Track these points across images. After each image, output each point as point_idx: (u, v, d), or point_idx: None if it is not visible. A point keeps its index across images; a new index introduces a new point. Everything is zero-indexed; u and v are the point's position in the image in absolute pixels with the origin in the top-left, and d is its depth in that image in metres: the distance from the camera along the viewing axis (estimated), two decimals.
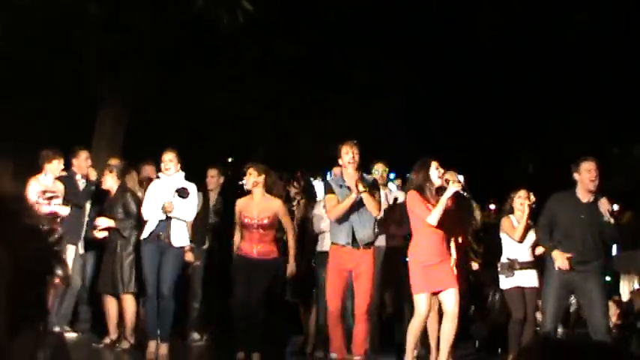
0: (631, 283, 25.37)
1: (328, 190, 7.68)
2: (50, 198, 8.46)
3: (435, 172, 7.18)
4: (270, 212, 7.78)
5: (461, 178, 7.71)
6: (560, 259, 7.08)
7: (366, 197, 7.40)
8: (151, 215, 7.91)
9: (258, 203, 7.77)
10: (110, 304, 8.48)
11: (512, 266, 8.38)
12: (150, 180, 8.54)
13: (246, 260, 7.77)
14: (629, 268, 24.69)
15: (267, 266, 7.82)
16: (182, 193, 7.90)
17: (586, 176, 7.14)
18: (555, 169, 8.12)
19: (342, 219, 7.48)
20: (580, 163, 7.22)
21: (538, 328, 9.08)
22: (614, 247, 23.23)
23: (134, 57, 11.97)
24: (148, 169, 9.15)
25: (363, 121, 13.89)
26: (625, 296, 20.08)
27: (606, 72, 13.47)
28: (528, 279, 8.38)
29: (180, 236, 7.96)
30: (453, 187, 7.09)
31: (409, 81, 14.35)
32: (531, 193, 8.52)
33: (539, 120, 15.10)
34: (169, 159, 7.96)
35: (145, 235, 7.92)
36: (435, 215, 7.02)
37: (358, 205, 7.48)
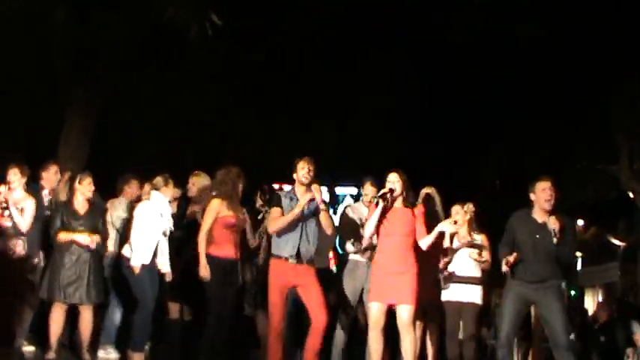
0: (595, 296, 25.59)
1: (276, 202, 7.57)
2: (3, 209, 8.16)
3: (387, 183, 7.22)
4: (243, 215, 7.93)
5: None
6: (504, 257, 7.18)
7: (324, 214, 7.37)
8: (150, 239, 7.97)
9: (237, 206, 7.82)
10: (60, 314, 7.98)
11: (448, 279, 8.35)
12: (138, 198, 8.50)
13: (227, 263, 7.68)
14: (593, 282, 24.94)
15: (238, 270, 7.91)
16: None
17: (541, 196, 7.20)
18: (520, 185, 8.19)
19: (290, 232, 7.38)
20: (535, 183, 7.28)
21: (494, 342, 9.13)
22: (579, 261, 23.52)
23: (102, 60, 11.89)
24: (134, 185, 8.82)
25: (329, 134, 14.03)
26: (590, 310, 20.25)
27: (574, 85, 13.56)
28: (467, 294, 8.35)
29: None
30: (381, 203, 7.16)
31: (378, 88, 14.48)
32: (469, 204, 8.52)
33: (512, 125, 15.19)
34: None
35: (146, 259, 7.95)
36: (365, 227, 7.30)
37: (306, 219, 7.41)
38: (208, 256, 7.59)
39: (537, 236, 7.16)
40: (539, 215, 7.24)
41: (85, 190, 8.08)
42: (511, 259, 7.12)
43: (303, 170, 7.41)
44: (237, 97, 13.93)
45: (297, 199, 7.42)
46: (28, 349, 8.34)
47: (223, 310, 7.62)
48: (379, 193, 7.20)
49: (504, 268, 7.20)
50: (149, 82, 13.02)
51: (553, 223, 7.05)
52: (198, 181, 8.83)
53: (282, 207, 7.46)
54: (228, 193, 7.79)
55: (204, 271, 7.53)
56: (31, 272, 8.19)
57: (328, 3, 12.51)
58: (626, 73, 13.00)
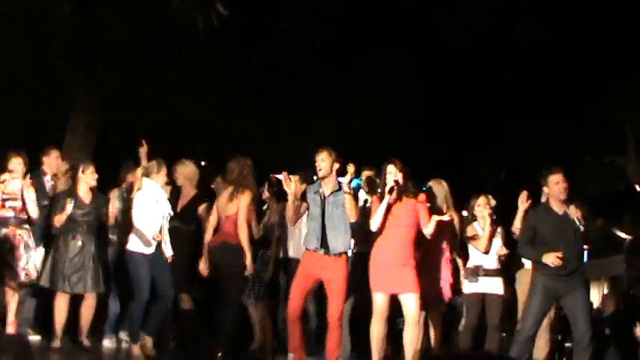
0: (600, 289, 25.51)
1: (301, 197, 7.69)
2: (4, 200, 8.30)
3: (389, 176, 7.21)
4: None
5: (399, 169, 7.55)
6: (551, 257, 7.00)
7: (349, 199, 7.31)
8: (150, 228, 8.00)
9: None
10: (64, 303, 8.07)
11: (476, 272, 8.31)
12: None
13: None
14: (599, 274, 24.84)
15: None
16: None
17: (555, 188, 7.19)
18: (528, 176, 8.16)
19: (313, 224, 7.46)
20: (547, 176, 7.25)
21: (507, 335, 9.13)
22: (585, 253, 23.41)
23: (102, 60, 11.91)
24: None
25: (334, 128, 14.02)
26: (595, 303, 20.19)
27: (582, 78, 13.50)
28: (492, 286, 8.31)
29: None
30: (387, 197, 7.14)
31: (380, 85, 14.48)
32: (491, 197, 8.46)
33: (512, 125, 15.15)
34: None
35: (146, 246, 7.97)
36: (372, 221, 7.20)
37: (331, 213, 7.42)
38: None
39: (561, 228, 7.12)
40: (557, 207, 7.22)
41: (88, 179, 8.17)
42: (560, 254, 6.97)
43: (316, 164, 7.46)
44: (237, 97, 13.94)
45: (322, 192, 7.46)
46: (34, 337, 8.43)
47: (240, 299, 8.13)
48: (387, 188, 7.18)
49: (555, 261, 6.98)
50: (149, 82, 13.03)
51: (575, 212, 7.08)
52: (183, 171, 8.89)
53: (306, 201, 7.57)
54: (252, 186, 7.97)
55: (252, 264, 7.88)
56: (10, 254, 8.07)
57: (328, 3, 12.50)
58: (626, 73, 12.95)
